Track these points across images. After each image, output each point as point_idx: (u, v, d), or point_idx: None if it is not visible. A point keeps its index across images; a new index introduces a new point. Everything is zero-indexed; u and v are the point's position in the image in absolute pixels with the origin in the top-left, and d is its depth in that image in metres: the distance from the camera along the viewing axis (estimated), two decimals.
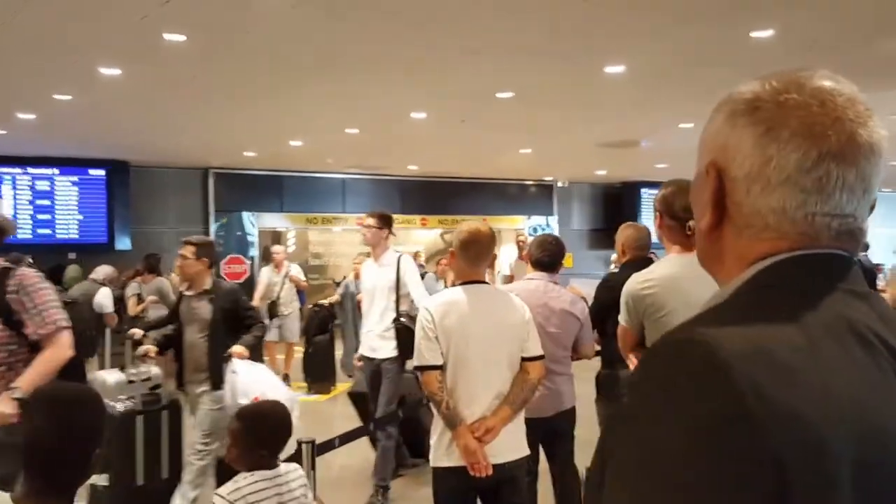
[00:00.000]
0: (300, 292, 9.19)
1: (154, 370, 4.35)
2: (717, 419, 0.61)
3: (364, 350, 4.88)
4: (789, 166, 0.73)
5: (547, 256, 3.73)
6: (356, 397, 5.41)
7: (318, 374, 8.13)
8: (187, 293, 4.42)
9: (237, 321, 4.28)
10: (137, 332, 5.78)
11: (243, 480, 2.27)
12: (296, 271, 9.01)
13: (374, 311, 4.80)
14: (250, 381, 3.86)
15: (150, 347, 4.43)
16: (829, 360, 0.65)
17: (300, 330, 8.79)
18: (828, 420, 0.62)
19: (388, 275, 4.78)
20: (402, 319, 4.68)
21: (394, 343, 4.64)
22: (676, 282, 2.57)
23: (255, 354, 8.02)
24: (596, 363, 4.05)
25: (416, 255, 11.17)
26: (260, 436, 2.35)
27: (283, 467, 2.38)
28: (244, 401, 3.64)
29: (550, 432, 3.62)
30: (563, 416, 3.68)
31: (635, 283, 2.70)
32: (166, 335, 4.48)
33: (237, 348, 4.08)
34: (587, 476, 0.70)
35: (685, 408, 0.63)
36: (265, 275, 8.99)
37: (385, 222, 4.88)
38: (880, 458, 0.64)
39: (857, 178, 0.73)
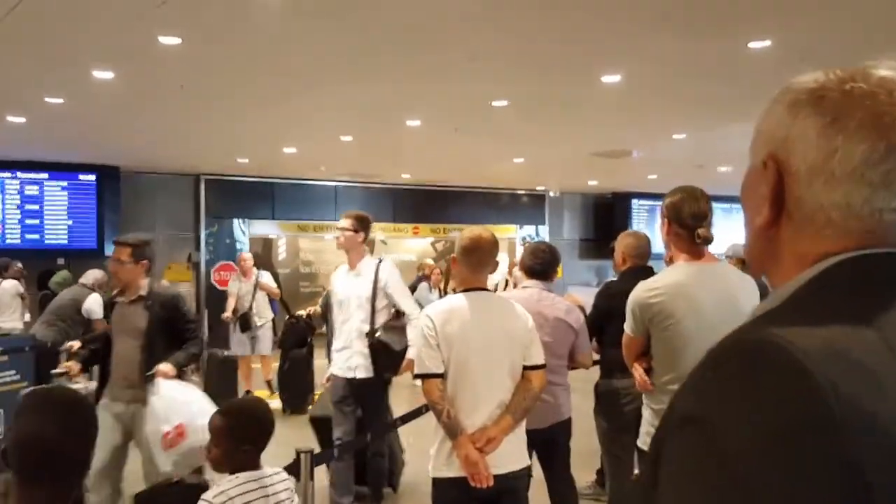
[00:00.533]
0: (272, 301, 8.50)
1: (90, 385, 4.16)
2: (798, 423, 0.58)
3: (338, 369, 4.37)
4: (855, 159, 0.69)
5: (539, 264, 3.69)
6: (318, 422, 4.84)
7: (295, 390, 7.58)
8: (119, 299, 3.93)
9: (175, 333, 3.81)
10: (75, 345, 5.48)
11: (228, 483, 2.19)
12: (266, 278, 8.36)
13: (349, 327, 4.33)
14: (176, 404, 3.47)
15: (70, 364, 4.09)
16: None
17: (275, 343, 8.25)
18: None
19: (363, 284, 4.34)
20: (379, 335, 4.26)
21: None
22: (684, 289, 2.53)
23: (227, 373, 7.75)
24: (591, 374, 4.01)
25: (426, 269, 10.41)
26: (245, 432, 2.28)
27: (268, 469, 2.31)
28: (166, 427, 3.40)
29: (546, 443, 3.56)
30: (559, 427, 3.63)
31: (642, 290, 2.66)
32: (92, 349, 4.08)
33: (163, 367, 3.62)
34: (635, 478, 0.65)
35: (764, 411, 0.59)
36: (233, 285, 8.35)
37: (362, 225, 4.47)
38: None
39: None
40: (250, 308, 8.00)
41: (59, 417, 1.48)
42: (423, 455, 2.97)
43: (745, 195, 0.80)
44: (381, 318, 4.33)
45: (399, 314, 4.43)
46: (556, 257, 3.79)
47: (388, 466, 4.74)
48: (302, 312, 8.05)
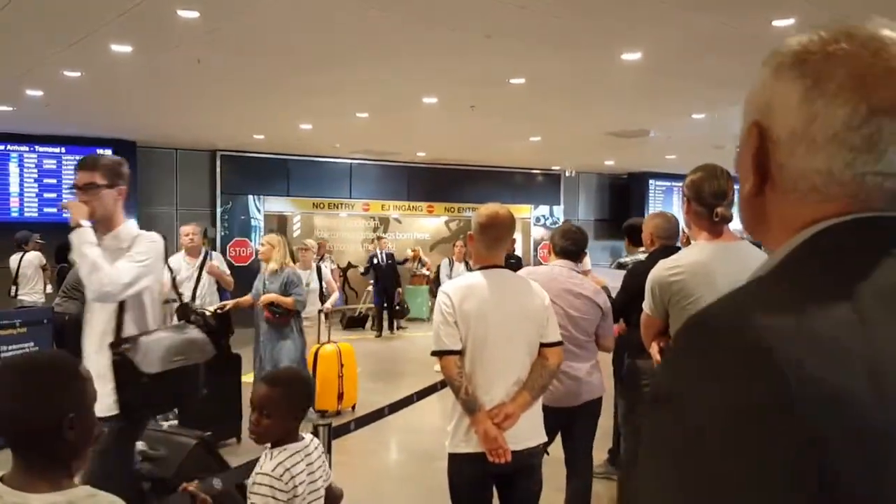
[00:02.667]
0: (224, 292, 6.60)
1: None
2: (758, 404, 0.56)
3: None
4: (836, 123, 0.67)
5: (572, 244, 3.68)
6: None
7: (221, 413, 5.46)
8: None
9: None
10: None
11: (282, 455, 2.19)
12: (217, 261, 6.48)
13: (92, 333, 2.97)
14: None
15: None
16: (883, 335, 0.60)
17: None
18: (879, 400, 0.56)
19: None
20: (126, 346, 2.84)
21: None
22: (704, 268, 2.51)
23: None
24: (606, 355, 3.99)
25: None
26: (297, 401, 2.29)
27: (308, 438, 2.33)
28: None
29: (572, 422, 3.55)
30: (587, 406, 3.60)
31: (662, 269, 2.64)
32: None
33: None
34: (623, 457, 0.65)
35: (724, 391, 0.58)
36: (175, 266, 6.07)
37: (111, 174, 3.05)
38: None
39: None
40: (193, 298, 6.08)
41: (14, 386, 1.43)
42: (440, 432, 2.99)
43: (736, 165, 0.78)
44: (133, 319, 2.96)
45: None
46: (585, 238, 3.79)
47: None
48: (209, 309, 5.60)
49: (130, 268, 2.92)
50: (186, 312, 5.36)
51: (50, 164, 10.73)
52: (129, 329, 2.93)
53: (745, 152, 0.75)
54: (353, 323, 12.94)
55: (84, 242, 2.91)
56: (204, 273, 6.20)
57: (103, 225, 3.05)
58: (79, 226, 2.93)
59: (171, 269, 5.81)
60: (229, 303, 5.89)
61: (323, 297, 6.71)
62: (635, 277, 3.82)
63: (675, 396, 0.62)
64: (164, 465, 3.18)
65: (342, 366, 6.30)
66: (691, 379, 0.62)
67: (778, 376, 0.56)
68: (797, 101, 0.69)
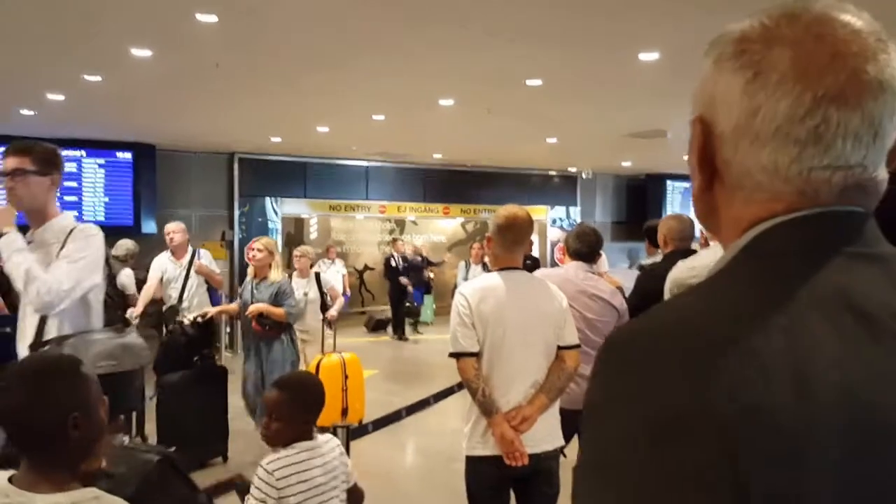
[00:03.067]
0: (213, 291, 6.36)
1: None
2: (670, 418, 0.55)
3: None
4: (779, 115, 0.63)
5: (585, 247, 3.67)
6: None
7: (205, 431, 5.02)
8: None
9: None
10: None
11: (285, 452, 2.24)
12: (206, 260, 6.10)
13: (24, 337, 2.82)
14: None
15: None
16: (813, 343, 0.57)
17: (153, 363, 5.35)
18: (801, 409, 0.54)
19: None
20: (46, 349, 2.66)
21: None
22: None
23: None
24: None
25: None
26: (307, 404, 2.32)
27: (321, 438, 2.34)
28: None
29: None
30: None
31: (681, 270, 2.63)
32: None
33: None
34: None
35: (638, 404, 0.57)
36: (158, 265, 5.98)
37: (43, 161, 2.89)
38: (873, 451, 0.55)
39: (864, 123, 0.63)
40: (180, 301, 5.73)
41: (19, 386, 1.43)
42: (456, 434, 2.99)
43: (688, 157, 0.75)
44: (57, 325, 2.78)
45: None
46: (600, 241, 3.78)
47: None
48: (190, 317, 5.31)
49: (69, 271, 2.61)
50: (174, 316, 5.54)
51: (70, 167, 10.84)
52: (65, 330, 2.69)
53: (693, 148, 0.72)
54: (379, 326, 12.96)
55: (14, 251, 2.62)
56: (192, 273, 5.91)
57: (34, 217, 2.79)
58: (3, 233, 2.66)
59: (155, 273, 5.94)
60: (213, 310, 5.42)
61: (325, 307, 6.11)
62: (648, 280, 3.80)
63: (598, 409, 0.61)
64: (122, 483, 3.09)
65: (347, 378, 5.49)
66: (611, 393, 0.61)
67: (696, 388, 0.55)
68: (738, 93, 0.66)
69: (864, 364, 0.57)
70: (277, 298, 5.11)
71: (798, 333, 0.57)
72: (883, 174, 0.66)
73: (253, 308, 5.07)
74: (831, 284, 0.60)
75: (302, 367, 5.35)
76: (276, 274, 5.17)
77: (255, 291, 5.18)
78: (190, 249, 6.04)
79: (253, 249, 5.23)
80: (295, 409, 2.29)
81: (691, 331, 0.58)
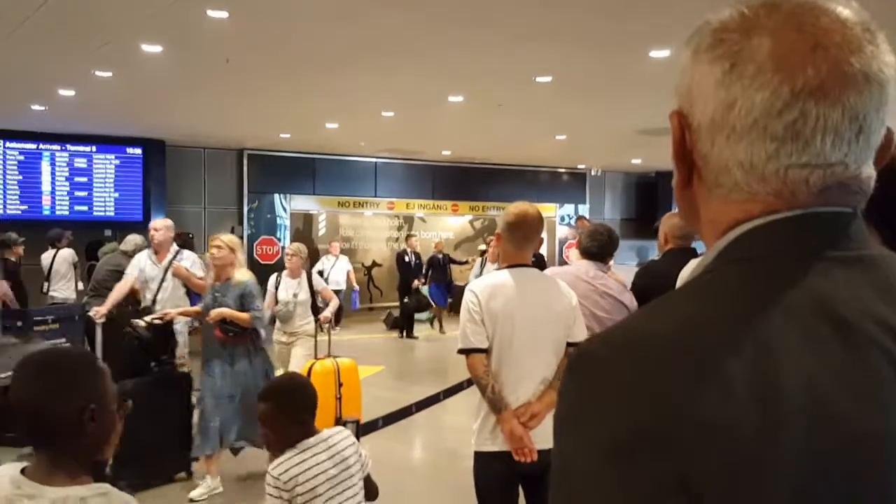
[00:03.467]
0: (193, 296, 6.00)
1: None
2: (629, 435, 0.54)
3: None
4: (755, 109, 0.60)
5: (596, 246, 3.64)
6: None
7: (166, 443, 4.70)
8: None
9: None
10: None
11: (288, 453, 2.25)
12: (189, 261, 5.68)
13: None
14: None
15: None
16: (783, 357, 0.54)
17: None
18: (766, 430, 0.52)
19: None
20: None
21: None
22: None
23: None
24: None
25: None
26: (295, 408, 2.32)
27: (327, 432, 2.35)
28: None
29: None
30: None
31: (692, 270, 2.62)
32: None
33: None
34: None
35: (591, 424, 0.56)
36: (136, 264, 5.69)
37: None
38: (839, 465, 0.53)
39: (846, 118, 0.59)
40: (153, 304, 5.44)
41: (35, 379, 1.44)
42: (465, 430, 3.00)
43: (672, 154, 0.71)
44: None
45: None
46: (614, 241, 3.71)
47: None
48: (147, 319, 4.93)
49: None
50: (127, 318, 5.08)
51: (81, 162, 10.93)
52: None
53: (673, 142, 0.69)
54: (397, 323, 12.91)
55: None
56: (169, 275, 5.53)
57: None
58: None
59: (133, 271, 5.54)
60: (172, 311, 5.04)
61: (317, 309, 5.67)
62: (645, 277, 3.78)
63: (564, 421, 0.60)
64: None
65: (341, 385, 5.24)
66: (575, 406, 0.59)
67: (655, 405, 0.54)
68: (714, 85, 0.63)
69: (835, 375, 0.55)
70: (243, 302, 4.57)
71: (769, 347, 0.55)
72: (869, 171, 0.63)
73: (215, 313, 4.52)
74: (809, 292, 0.58)
75: (279, 372, 4.99)
76: (241, 274, 4.65)
77: (217, 294, 4.63)
78: (173, 250, 5.69)
79: (212, 247, 4.68)
80: (285, 415, 2.29)
81: (657, 345, 0.57)
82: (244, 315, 4.53)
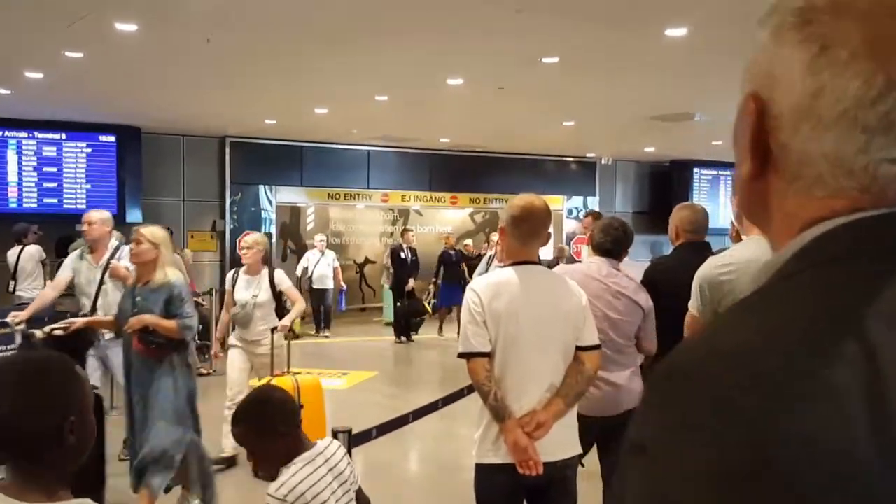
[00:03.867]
0: None
1: None
2: (729, 469, 0.52)
3: None
4: (847, 98, 0.60)
5: (610, 242, 3.63)
6: None
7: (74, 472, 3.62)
8: None
9: None
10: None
11: (287, 472, 2.23)
12: (127, 260, 4.69)
13: None
14: None
15: None
16: (892, 371, 0.53)
17: None
18: (881, 452, 0.50)
19: None
20: None
21: None
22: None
23: None
24: None
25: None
26: (275, 422, 2.28)
27: (321, 443, 2.34)
28: None
29: (609, 433, 3.53)
30: (627, 415, 3.58)
31: (712, 267, 2.61)
32: None
33: None
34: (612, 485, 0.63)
35: (694, 452, 0.54)
36: (68, 266, 5.26)
37: None
38: None
39: None
40: (93, 310, 5.05)
41: (12, 390, 1.41)
42: (465, 440, 2.99)
43: (733, 141, 0.71)
44: None
45: None
46: (629, 236, 3.71)
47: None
48: (63, 324, 4.54)
49: None
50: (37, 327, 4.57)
51: (50, 151, 10.90)
52: None
53: (743, 129, 0.68)
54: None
55: None
56: (108, 276, 5.06)
57: None
58: None
59: (65, 272, 5.05)
60: (78, 321, 4.55)
61: (282, 312, 5.31)
62: (655, 272, 3.78)
63: (648, 451, 0.58)
64: None
65: (301, 407, 4.36)
66: (654, 432, 0.58)
67: (753, 434, 0.52)
68: (801, 70, 0.62)
69: None
70: (170, 306, 4.10)
71: (875, 360, 0.53)
72: None
73: (134, 321, 4.04)
74: None
75: (245, 386, 4.75)
76: (166, 274, 4.15)
77: (137, 298, 4.16)
78: (111, 246, 5.16)
79: (132, 241, 4.20)
80: (265, 433, 2.24)
81: (754, 358, 0.55)
82: (169, 323, 4.05)
